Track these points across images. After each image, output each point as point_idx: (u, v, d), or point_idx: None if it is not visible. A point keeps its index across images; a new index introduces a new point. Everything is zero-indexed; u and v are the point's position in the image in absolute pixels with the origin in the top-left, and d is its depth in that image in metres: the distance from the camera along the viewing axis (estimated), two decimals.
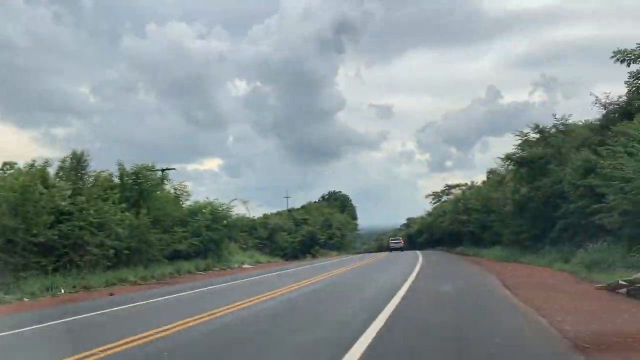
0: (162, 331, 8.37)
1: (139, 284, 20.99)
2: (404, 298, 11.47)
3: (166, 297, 15.02)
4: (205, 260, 29.74)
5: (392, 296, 11.75)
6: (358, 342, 6.78)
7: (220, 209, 32.88)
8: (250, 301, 12.06)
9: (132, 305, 13.28)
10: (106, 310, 12.18)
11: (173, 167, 39.02)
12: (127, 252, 22.97)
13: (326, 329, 8.29)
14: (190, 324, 9.10)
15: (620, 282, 11.87)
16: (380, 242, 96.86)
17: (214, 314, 10.21)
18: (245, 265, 33.89)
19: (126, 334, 8.18)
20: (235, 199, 36.90)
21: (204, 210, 31.62)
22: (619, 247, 16.11)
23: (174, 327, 8.77)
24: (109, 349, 7.15)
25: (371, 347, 6.49)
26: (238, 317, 9.89)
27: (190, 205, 32.16)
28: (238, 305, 11.46)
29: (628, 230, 15.81)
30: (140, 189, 26.54)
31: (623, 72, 23.06)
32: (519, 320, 8.39)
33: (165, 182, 33.19)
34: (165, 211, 27.45)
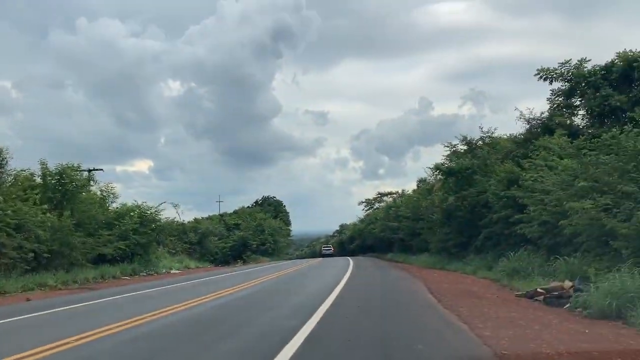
0: (80, 339, 7.99)
1: (60, 289, 20.04)
2: (332, 305, 11.50)
3: (87, 303, 14.39)
4: (132, 264, 28.79)
5: (321, 303, 11.77)
6: (282, 351, 6.72)
7: (149, 212, 31.95)
8: (171, 309, 11.75)
9: (49, 311, 12.62)
10: (20, 317, 11.52)
11: (100, 168, 37.48)
12: (47, 255, 21.90)
13: (251, 337, 8.17)
14: (111, 331, 8.74)
15: (538, 290, 12.42)
16: (313, 249, 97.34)
17: (136, 321, 9.87)
18: (174, 271, 33.06)
19: (40, 342, 7.74)
20: (164, 202, 36.02)
21: (131, 213, 30.63)
22: (538, 256, 16.85)
23: (92, 335, 8.38)
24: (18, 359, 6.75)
25: (298, 353, 6.45)
26: (161, 325, 9.59)
27: (117, 208, 31.09)
28: (161, 312, 11.14)
29: (546, 240, 16.55)
30: (64, 189, 25.39)
31: (546, 89, 24.33)
32: (441, 327, 8.58)
33: (91, 183, 31.98)
34: (90, 213, 26.40)
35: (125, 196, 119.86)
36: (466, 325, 8.45)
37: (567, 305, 10.98)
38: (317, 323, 8.88)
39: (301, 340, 7.36)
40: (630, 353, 6.43)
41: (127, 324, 9.55)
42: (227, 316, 10.62)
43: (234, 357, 6.73)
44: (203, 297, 14.05)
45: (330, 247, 73.92)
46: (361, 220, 71.58)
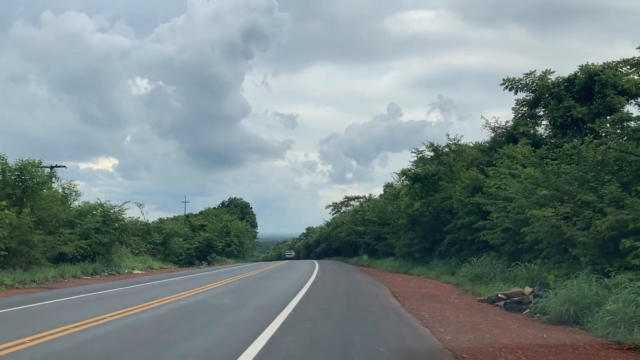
0: (33, 340, 7.77)
1: (17, 288, 19.47)
2: (295, 308, 11.46)
3: (44, 302, 14.01)
4: (93, 264, 28.16)
5: (285, 305, 11.72)
6: (244, 354, 6.67)
7: (112, 210, 31.36)
8: (131, 310, 11.54)
9: (4, 311, 12.23)
10: None
11: (63, 165, 36.66)
12: (4, 253, 21.27)
13: (211, 340, 8.08)
14: (66, 332, 8.53)
15: (499, 295, 12.63)
16: (279, 251, 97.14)
17: (93, 322, 9.66)
18: (136, 271, 32.49)
19: None
20: (128, 201, 35.40)
21: (94, 212, 30.01)
22: (500, 262, 17.13)
23: (47, 335, 8.16)
24: None
25: (258, 357, 6.41)
26: (118, 327, 9.41)
27: (79, 206, 30.41)
28: (120, 313, 10.93)
29: (508, 247, 16.85)
30: (24, 186, 24.69)
31: (511, 98, 24.85)
32: (403, 330, 8.63)
33: (53, 180, 31.24)
34: (51, 211, 25.73)
35: (90, 195, 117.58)
36: (428, 329, 8.53)
37: (526, 311, 11.19)
38: (280, 326, 8.83)
39: (263, 343, 7.31)
40: (584, 357, 6.59)
41: (84, 324, 9.33)
42: (188, 318, 10.48)
43: None
44: (164, 299, 13.83)
45: (292, 252, 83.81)
46: (328, 224, 71.76)
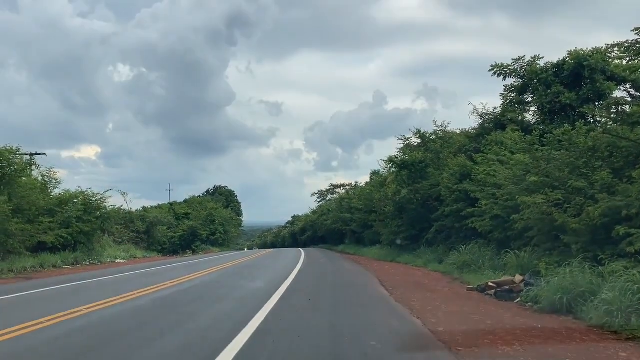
0: (6, 334, 7.34)
1: None
2: (282, 298, 11.11)
3: (21, 293, 13.51)
4: (75, 253, 27.55)
5: (270, 296, 11.37)
6: (229, 346, 6.32)
7: (94, 199, 30.68)
8: (110, 301, 11.13)
9: None
10: None
11: (43, 152, 35.78)
12: None
13: (194, 333, 7.71)
14: (43, 325, 8.11)
15: (489, 283, 12.39)
16: (265, 239, 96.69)
17: (71, 313, 9.24)
18: (119, 260, 31.92)
19: None
20: (110, 189, 34.57)
21: (75, 200, 29.30)
22: (489, 250, 16.93)
23: (22, 328, 7.73)
24: None
25: (242, 352, 6.06)
26: (98, 318, 9.01)
27: (59, 194, 29.67)
28: (99, 304, 10.52)
29: (497, 234, 16.63)
30: (1, 173, 23.98)
31: (497, 87, 24.61)
32: (394, 322, 8.32)
33: (32, 167, 30.47)
34: (30, 199, 25.00)
35: (72, 183, 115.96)
36: (419, 320, 8.23)
37: (517, 300, 10.96)
38: (265, 318, 8.47)
39: (248, 336, 6.96)
40: (582, 348, 6.33)
41: (62, 316, 8.92)
42: (169, 310, 10.09)
43: (173, 355, 6.26)
44: (146, 289, 13.42)
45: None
46: (314, 212, 71.41)
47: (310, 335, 7.21)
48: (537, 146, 15.38)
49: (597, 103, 21.38)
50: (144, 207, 55.92)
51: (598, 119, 20.11)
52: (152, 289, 13.56)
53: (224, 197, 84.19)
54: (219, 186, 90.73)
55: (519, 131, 20.14)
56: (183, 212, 61.30)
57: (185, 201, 71.07)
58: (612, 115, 12.06)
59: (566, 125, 15.10)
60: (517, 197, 14.21)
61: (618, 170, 12.58)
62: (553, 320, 8.61)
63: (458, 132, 28.42)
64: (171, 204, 66.21)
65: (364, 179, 62.28)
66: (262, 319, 8.32)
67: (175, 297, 12.20)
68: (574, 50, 22.23)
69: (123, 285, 15.14)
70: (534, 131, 19.53)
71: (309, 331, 7.53)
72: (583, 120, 17.97)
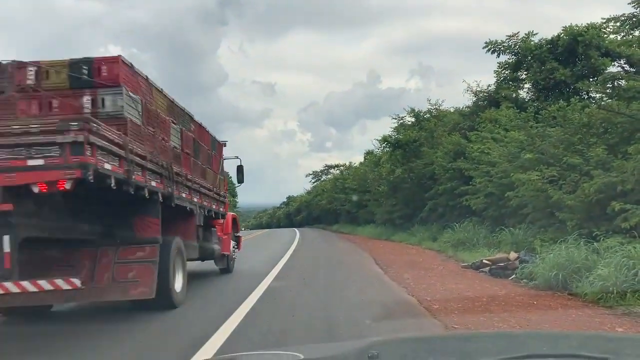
0: None
1: None
2: (276, 278, 11.06)
3: None
4: None
5: (265, 275, 11.32)
6: (224, 325, 6.26)
7: None
8: None
9: None
10: None
11: None
12: None
13: (189, 315, 7.65)
14: None
15: (484, 261, 12.37)
16: (260, 220, 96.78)
17: None
18: None
19: None
20: None
21: None
22: (483, 227, 16.92)
23: None
24: None
25: (232, 337, 6.00)
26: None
27: None
28: None
29: (491, 212, 16.62)
30: None
31: (491, 65, 24.42)
32: (388, 300, 8.27)
33: None
34: None
35: None
36: (414, 298, 8.18)
37: (512, 277, 10.94)
38: (260, 297, 8.42)
39: (242, 315, 6.90)
40: (578, 323, 6.30)
41: None
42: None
43: (167, 337, 6.20)
44: None
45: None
46: (308, 192, 71.46)
47: (304, 314, 7.16)
48: (531, 123, 15.29)
49: (591, 79, 21.26)
50: None
51: (593, 95, 20.04)
52: None
53: None
54: None
55: (513, 108, 20.04)
56: None
57: None
58: (608, 91, 11.93)
59: (561, 101, 14.98)
60: (511, 174, 14.15)
61: (613, 146, 12.52)
62: (548, 296, 8.58)
63: (452, 110, 28.29)
64: None
65: (358, 159, 62.24)
66: (257, 298, 8.27)
67: None
68: (569, 26, 22.03)
69: None
70: (528, 108, 19.44)
71: (303, 310, 7.48)
72: (578, 97, 17.85)
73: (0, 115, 6.39)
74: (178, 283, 7.64)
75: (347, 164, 62.11)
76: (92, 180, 5.48)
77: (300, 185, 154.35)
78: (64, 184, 5.44)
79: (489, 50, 23.97)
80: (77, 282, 6.02)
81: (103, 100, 6.68)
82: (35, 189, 5.42)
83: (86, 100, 6.69)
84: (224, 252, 11.85)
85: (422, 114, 28.87)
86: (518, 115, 17.61)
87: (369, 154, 44.70)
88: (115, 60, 6.88)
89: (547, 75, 21.52)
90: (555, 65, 21.40)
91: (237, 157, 14.27)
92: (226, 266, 12.36)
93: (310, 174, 73.07)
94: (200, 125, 10.62)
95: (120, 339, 6.04)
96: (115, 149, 6.09)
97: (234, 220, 13.91)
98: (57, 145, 5.47)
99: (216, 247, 11.18)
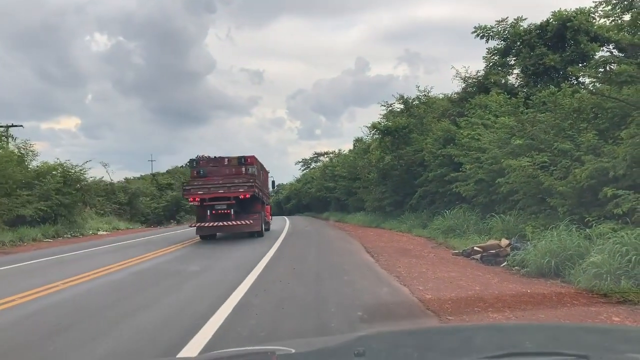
0: None
1: None
2: (265, 267, 10.90)
3: None
4: (55, 226, 27.10)
5: (253, 266, 11.17)
6: (211, 319, 6.09)
7: (73, 170, 30.05)
8: (89, 275, 10.85)
9: None
10: None
11: (20, 124, 34.85)
12: None
13: (173, 307, 7.48)
14: (18, 301, 7.82)
15: (475, 248, 12.29)
16: None
17: (48, 289, 8.96)
18: (101, 232, 31.54)
19: None
20: (89, 160, 34.02)
21: (54, 172, 28.72)
22: (473, 214, 16.84)
23: None
24: None
25: (223, 327, 5.84)
26: (74, 294, 8.73)
27: (37, 167, 29.03)
28: (78, 278, 10.24)
29: (482, 199, 16.52)
30: None
31: (479, 51, 24.23)
32: (380, 290, 8.12)
33: (8, 140, 29.74)
34: (6, 172, 24.43)
35: (53, 155, 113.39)
36: (406, 287, 8.03)
37: (504, 264, 10.87)
38: (248, 290, 8.25)
39: (229, 310, 6.73)
40: (574, 312, 6.19)
41: (35, 293, 8.63)
42: (149, 284, 9.84)
43: (150, 331, 6.02)
44: (125, 262, 13.14)
45: None
46: (298, 180, 71.26)
47: (294, 307, 7.00)
48: (522, 109, 15.16)
49: (580, 64, 21.18)
50: (126, 179, 55.27)
51: (582, 81, 19.95)
52: (133, 261, 13.29)
53: None
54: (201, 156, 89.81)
55: (504, 94, 19.91)
56: (166, 182, 60.51)
57: (168, 172, 70.28)
58: (599, 75, 11.80)
59: (551, 87, 14.85)
60: (502, 160, 14.04)
61: (603, 131, 12.44)
62: (541, 284, 8.50)
63: (441, 97, 28.15)
64: (153, 175, 65.37)
65: (347, 147, 62.07)
66: (245, 290, 8.09)
67: (154, 270, 11.95)
68: (558, 11, 21.91)
69: (101, 258, 14.83)
70: (518, 94, 19.32)
71: (293, 302, 7.31)
72: (567, 82, 17.73)
73: (217, 175, 18.98)
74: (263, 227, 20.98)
75: (337, 151, 62.01)
76: (253, 195, 18.97)
77: (289, 173, 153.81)
78: (247, 196, 18.72)
79: (477, 35, 23.81)
80: (246, 222, 19.08)
81: (248, 168, 19.32)
82: (240, 196, 18.67)
83: (244, 168, 19.23)
84: (268, 220, 25.04)
85: (411, 100, 28.72)
86: (508, 100, 17.43)
87: (358, 141, 44.55)
88: (252, 156, 19.79)
89: (536, 61, 21.43)
90: (545, 51, 21.30)
91: (272, 177, 27.94)
92: (268, 228, 24.20)
93: (299, 162, 72.87)
94: (263, 165, 23.40)
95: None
96: (256, 184, 19.42)
97: (270, 207, 27.57)
98: (245, 185, 18.95)
99: (265, 217, 22.74)
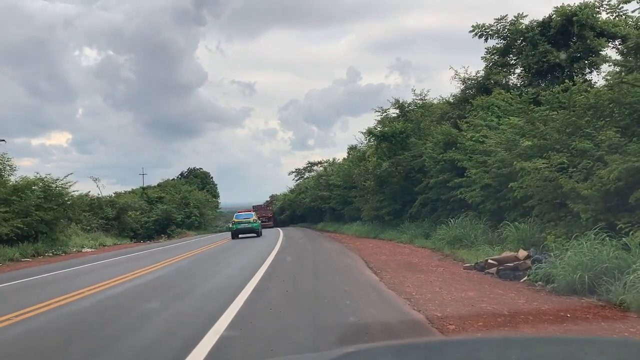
0: None
1: None
2: (255, 290, 9.52)
3: None
4: (35, 244, 25.64)
5: (242, 287, 9.86)
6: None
7: (54, 185, 28.60)
8: (64, 299, 9.52)
9: None
10: None
11: (2, 139, 33.28)
12: None
13: (157, 334, 6.17)
14: None
15: (489, 260, 11.04)
16: None
17: (17, 316, 7.63)
18: (86, 250, 30.05)
19: None
20: (71, 173, 32.23)
21: (33, 187, 27.28)
22: (481, 222, 15.63)
23: None
24: None
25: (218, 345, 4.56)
26: (45, 321, 7.41)
27: (16, 182, 27.58)
28: (50, 304, 8.90)
29: (489, 205, 15.34)
30: None
31: (471, 59, 23.27)
32: (391, 318, 6.77)
33: None
34: None
35: (44, 171, 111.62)
36: (421, 314, 6.72)
37: (524, 279, 9.64)
38: (233, 320, 6.91)
39: (211, 344, 5.44)
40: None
41: (6, 320, 7.35)
42: (126, 309, 8.52)
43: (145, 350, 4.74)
44: (105, 282, 11.80)
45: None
46: (291, 191, 69.90)
47: (287, 342, 5.71)
48: (532, 107, 13.99)
49: (586, 61, 20.12)
50: (115, 193, 53.75)
51: (589, 78, 18.87)
52: (115, 281, 11.94)
53: (199, 179, 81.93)
54: (194, 168, 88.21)
55: (510, 92, 18.77)
56: (156, 196, 59.05)
57: (159, 185, 68.79)
58: (630, 63, 10.63)
59: (566, 81, 13.66)
60: (514, 163, 12.84)
61: (623, 128, 11.29)
62: (575, 303, 7.28)
63: (436, 102, 27.04)
64: (144, 188, 63.85)
65: (341, 156, 60.70)
66: (227, 322, 6.76)
67: (134, 292, 10.62)
68: (561, 6, 20.84)
69: (81, 279, 13.49)
70: (523, 94, 18.19)
71: (285, 341, 5.97)
72: (575, 79, 16.59)
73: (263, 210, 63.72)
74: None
75: (331, 160, 60.71)
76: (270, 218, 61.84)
77: (283, 184, 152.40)
78: (270, 217, 62.98)
79: (476, 34, 22.72)
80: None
81: (273, 203, 74.50)
82: (269, 215, 62.91)
83: (270, 207, 70.00)
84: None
85: (406, 105, 27.58)
86: (517, 98, 16.21)
87: (352, 149, 43.34)
88: (270, 200, 76.63)
89: (539, 59, 20.34)
90: (548, 48, 20.23)
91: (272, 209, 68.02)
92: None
93: (293, 172, 71.55)
94: (269, 201, 73.60)
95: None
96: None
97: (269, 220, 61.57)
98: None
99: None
